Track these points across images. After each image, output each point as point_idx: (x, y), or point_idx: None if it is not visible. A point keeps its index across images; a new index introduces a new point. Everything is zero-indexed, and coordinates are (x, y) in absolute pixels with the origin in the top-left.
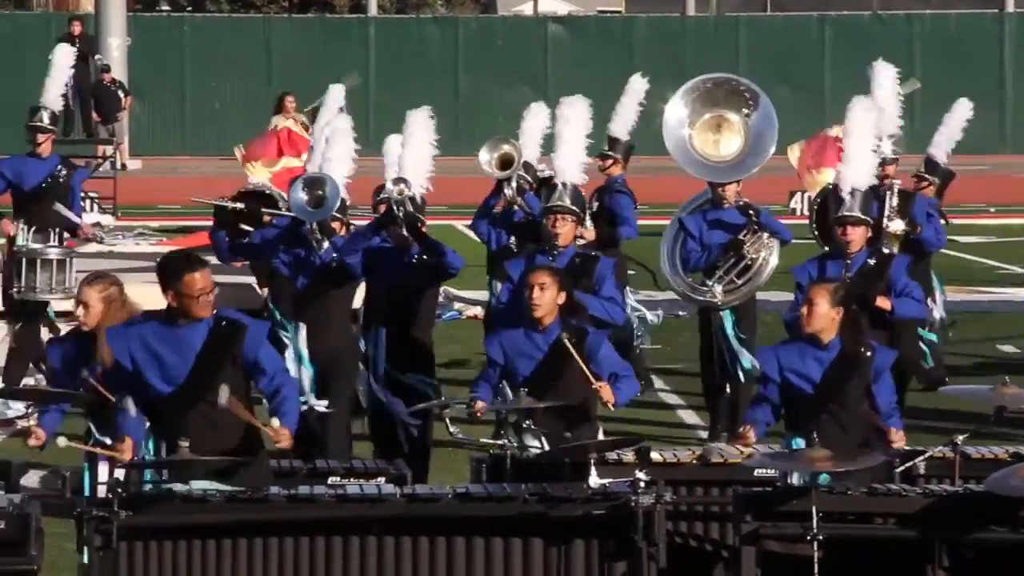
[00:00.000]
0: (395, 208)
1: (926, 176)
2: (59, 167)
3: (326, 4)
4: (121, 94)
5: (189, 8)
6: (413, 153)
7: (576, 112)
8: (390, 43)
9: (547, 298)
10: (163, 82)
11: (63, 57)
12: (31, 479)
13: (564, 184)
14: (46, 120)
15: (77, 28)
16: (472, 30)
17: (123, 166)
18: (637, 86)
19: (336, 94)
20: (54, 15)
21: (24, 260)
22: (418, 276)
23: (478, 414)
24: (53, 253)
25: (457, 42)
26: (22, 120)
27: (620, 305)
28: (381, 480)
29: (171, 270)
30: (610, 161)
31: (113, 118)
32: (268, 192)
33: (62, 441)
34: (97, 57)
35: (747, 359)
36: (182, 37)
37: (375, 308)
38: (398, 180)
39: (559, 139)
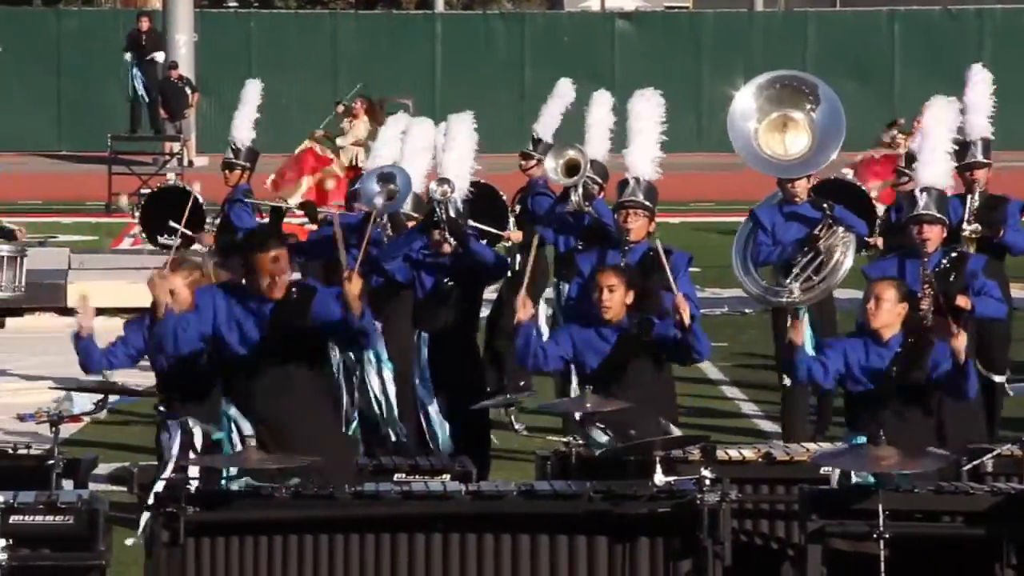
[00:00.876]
0: (437, 209)
1: (907, 172)
2: None
3: (392, 0)
4: (188, 90)
5: (256, 4)
6: (455, 156)
7: (649, 105)
8: (456, 39)
9: (616, 299)
10: (229, 78)
11: None
12: (100, 474)
13: (637, 179)
14: None
15: (145, 24)
16: (539, 26)
17: (190, 163)
18: (564, 90)
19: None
20: (122, 11)
21: None
22: (458, 279)
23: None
24: (4, 250)
25: (523, 38)
26: (90, 116)
27: (694, 301)
28: (446, 477)
29: (245, 247)
30: (532, 162)
31: (180, 115)
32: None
33: None
34: (170, 57)
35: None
36: (248, 33)
37: (415, 312)
38: (441, 180)
39: (632, 133)
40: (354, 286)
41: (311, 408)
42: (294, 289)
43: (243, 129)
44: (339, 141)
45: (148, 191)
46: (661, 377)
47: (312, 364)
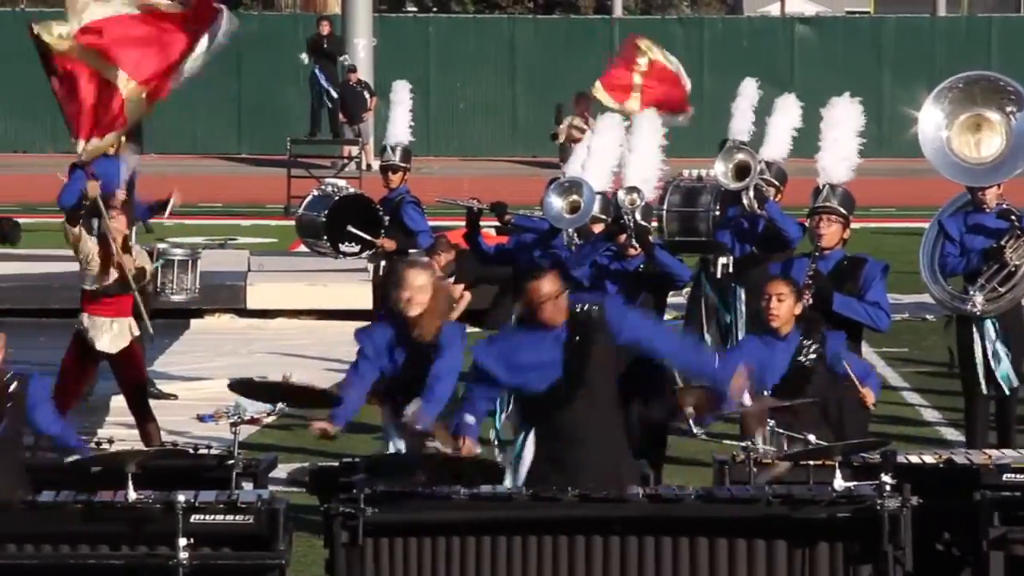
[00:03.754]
0: (625, 217)
1: None
2: None
3: (570, 5)
4: (367, 95)
5: (434, 9)
6: (641, 158)
7: (845, 112)
8: None
9: (784, 308)
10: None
11: None
12: (278, 476)
13: (831, 185)
14: None
15: (325, 28)
16: (718, 31)
17: (368, 166)
18: (749, 90)
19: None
20: (302, 16)
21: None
22: (643, 287)
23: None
24: (178, 253)
25: (702, 43)
26: (270, 119)
27: (885, 310)
28: None
29: (518, 284)
30: None
31: (359, 118)
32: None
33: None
34: (343, 58)
35: (1003, 370)
36: (427, 37)
37: None
38: (631, 189)
39: (827, 139)
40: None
41: (614, 436)
42: (579, 309)
43: (400, 130)
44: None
45: (334, 204)
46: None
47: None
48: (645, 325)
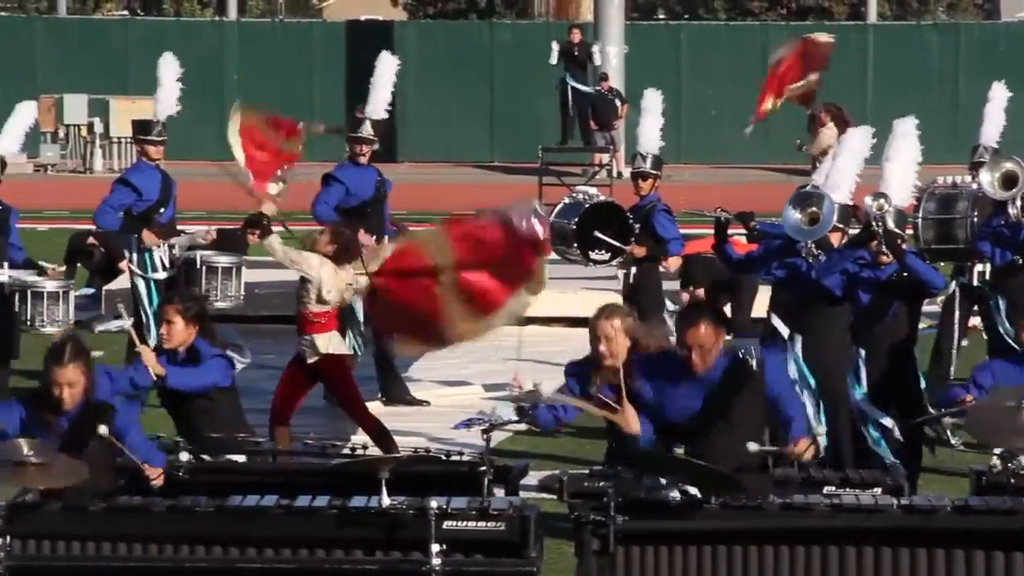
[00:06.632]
0: (874, 224)
1: None
2: None
3: (824, 11)
4: (618, 102)
5: (686, 16)
6: (898, 165)
7: None
8: (889, 50)
9: None
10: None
11: (169, 66)
12: (531, 481)
13: None
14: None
15: (577, 36)
16: (974, 36)
17: (619, 174)
18: (999, 93)
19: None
20: (554, 24)
21: None
22: (896, 295)
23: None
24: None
25: (958, 48)
26: (522, 127)
27: None
28: (877, 490)
29: None
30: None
31: (610, 126)
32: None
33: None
34: (595, 51)
35: None
36: (678, 44)
37: (854, 327)
38: (878, 195)
39: None
40: None
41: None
42: (737, 360)
43: (651, 138)
44: (805, 148)
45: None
46: None
47: None
48: (788, 390)
